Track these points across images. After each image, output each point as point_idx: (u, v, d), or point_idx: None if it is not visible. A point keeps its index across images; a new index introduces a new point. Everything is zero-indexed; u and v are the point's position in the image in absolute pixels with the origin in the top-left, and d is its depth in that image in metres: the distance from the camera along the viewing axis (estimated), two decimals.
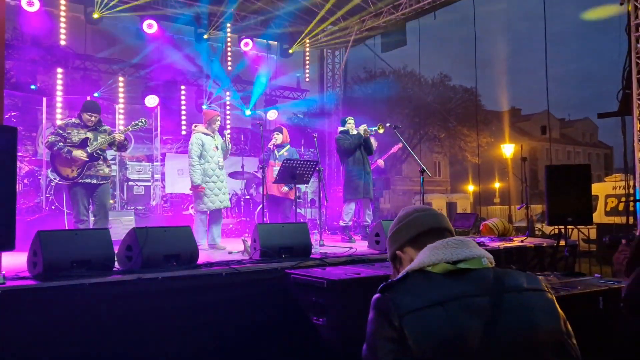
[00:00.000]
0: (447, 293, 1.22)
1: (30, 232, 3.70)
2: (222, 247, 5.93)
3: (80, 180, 5.33)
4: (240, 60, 11.58)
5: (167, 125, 10.60)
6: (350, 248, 5.52)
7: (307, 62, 12.32)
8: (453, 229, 1.49)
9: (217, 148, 6.08)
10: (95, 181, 5.40)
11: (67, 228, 6.17)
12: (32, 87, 9.66)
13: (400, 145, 8.46)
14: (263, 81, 11.67)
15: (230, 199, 9.42)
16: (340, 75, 12.74)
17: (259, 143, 9.48)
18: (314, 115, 13.47)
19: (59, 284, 3.27)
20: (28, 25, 9.29)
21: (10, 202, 3.19)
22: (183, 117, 11.22)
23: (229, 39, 11.25)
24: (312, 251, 4.79)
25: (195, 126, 6.17)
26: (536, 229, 9.89)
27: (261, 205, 7.06)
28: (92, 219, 5.58)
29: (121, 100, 10.29)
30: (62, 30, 9.40)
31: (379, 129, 7.16)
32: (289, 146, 7.34)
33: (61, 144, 5.30)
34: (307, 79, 12.61)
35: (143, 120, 5.84)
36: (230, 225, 8.57)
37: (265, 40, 11.93)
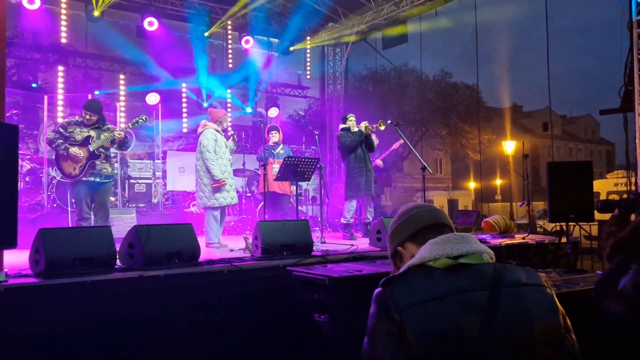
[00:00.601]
0: (446, 288, 1.23)
1: (32, 229, 3.71)
2: (224, 244, 5.93)
3: (83, 178, 5.34)
4: (240, 57, 11.57)
5: (168, 123, 10.61)
6: (352, 245, 5.52)
7: (308, 59, 12.30)
8: (453, 225, 1.50)
9: (226, 146, 6.08)
10: (98, 179, 5.41)
11: (69, 226, 6.19)
12: (34, 85, 9.67)
13: (401, 141, 8.46)
14: (254, 71, 11.60)
15: None
16: (341, 73, 12.73)
17: (260, 140, 9.49)
18: (315, 113, 13.46)
19: (61, 282, 3.28)
20: (29, 24, 9.29)
21: (12, 199, 3.19)
22: (184, 115, 11.22)
23: (229, 37, 11.24)
24: (314, 248, 4.79)
25: (206, 123, 6.11)
26: (538, 225, 9.87)
27: (262, 203, 7.07)
28: (93, 217, 5.59)
29: (122, 98, 10.29)
30: (63, 29, 9.40)
31: (380, 126, 7.16)
32: (282, 145, 7.39)
33: (60, 141, 5.31)
34: (308, 76, 12.60)
35: (144, 117, 5.84)
36: (232, 223, 8.58)
37: (266, 38, 11.92)
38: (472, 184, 31.55)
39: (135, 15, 10.25)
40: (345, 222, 6.94)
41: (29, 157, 8.40)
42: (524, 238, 6.11)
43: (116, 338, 3.34)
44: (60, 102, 9.39)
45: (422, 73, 24.27)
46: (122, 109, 9.98)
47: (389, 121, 7.19)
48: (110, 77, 10.71)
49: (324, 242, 5.81)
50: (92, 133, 5.46)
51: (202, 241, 4.59)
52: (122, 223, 6.50)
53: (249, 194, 9.11)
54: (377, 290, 1.28)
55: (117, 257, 3.82)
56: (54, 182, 7.37)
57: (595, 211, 3.13)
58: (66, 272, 3.39)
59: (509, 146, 21.23)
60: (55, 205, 7.27)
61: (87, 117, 5.46)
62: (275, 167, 6.78)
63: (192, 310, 3.67)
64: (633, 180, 7.24)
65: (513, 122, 32.21)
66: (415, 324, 1.18)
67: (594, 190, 5.53)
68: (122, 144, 5.70)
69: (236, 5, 10.30)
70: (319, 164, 6.45)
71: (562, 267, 5.20)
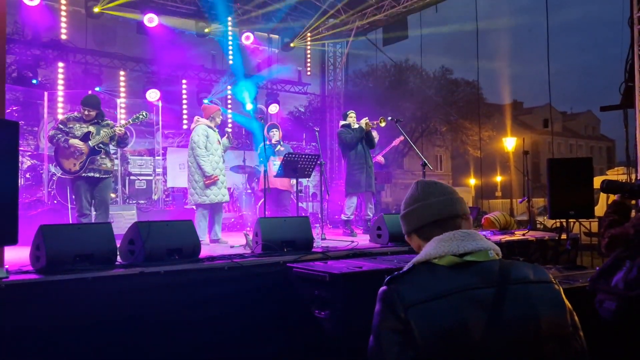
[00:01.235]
0: (452, 285, 1.23)
1: (33, 226, 3.71)
2: (224, 241, 5.94)
3: (83, 174, 5.34)
4: (241, 54, 11.55)
5: (169, 120, 10.60)
6: (352, 242, 5.53)
7: (309, 55, 12.28)
8: (466, 212, 1.45)
9: (219, 142, 6.07)
10: (97, 175, 5.41)
11: (69, 222, 6.19)
12: (34, 81, 9.65)
13: (401, 138, 8.45)
14: (262, 74, 11.63)
15: (232, 193, 9.45)
16: (341, 69, 12.71)
17: (261, 137, 9.48)
18: (316, 109, 13.45)
19: (61, 278, 3.28)
20: (29, 20, 9.27)
21: (12, 196, 3.20)
22: (184, 111, 11.21)
23: (229, 33, 11.22)
24: (314, 245, 4.80)
25: (198, 119, 6.15)
26: (538, 222, 9.88)
27: (263, 199, 7.08)
28: (94, 213, 5.59)
29: (122, 95, 10.28)
30: (63, 25, 9.38)
31: (380, 122, 7.16)
32: (281, 142, 7.40)
33: (60, 135, 5.31)
34: (309, 73, 12.58)
35: (144, 114, 5.83)
36: (232, 219, 8.59)
37: (266, 34, 11.89)
38: (472, 181, 31.55)
39: (135, 12, 10.23)
40: (346, 218, 6.95)
41: (29, 153, 8.41)
42: (524, 234, 6.11)
43: (117, 334, 3.35)
44: (60, 99, 9.38)
45: (423, 69, 24.24)
46: (123, 105, 9.97)
47: (389, 117, 7.19)
48: (111, 74, 10.69)
49: (325, 239, 5.81)
50: (92, 129, 5.45)
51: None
52: (122, 219, 6.50)
53: (249, 191, 9.11)
54: (382, 288, 1.28)
55: (118, 253, 3.82)
56: (54, 178, 7.37)
57: (601, 192, 3.12)
58: (67, 269, 3.39)
59: (509, 142, 21.23)
60: (55, 201, 7.28)
61: (86, 112, 5.46)
62: (276, 164, 6.78)
63: (192, 306, 3.68)
64: (633, 176, 7.24)
65: (513, 118, 32.17)
66: (421, 322, 1.18)
67: (594, 186, 5.53)
68: (121, 141, 5.68)
69: (237, 1, 10.29)
70: (319, 160, 6.45)
71: (562, 263, 5.21)
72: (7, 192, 3.12)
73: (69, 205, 6.68)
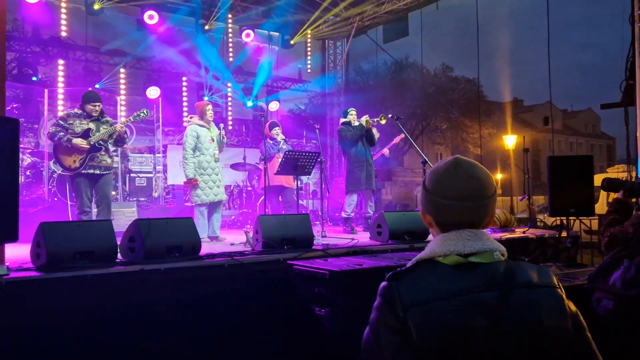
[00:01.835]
0: (454, 287, 1.21)
1: (33, 223, 3.71)
2: (223, 238, 5.95)
3: (83, 171, 5.33)
4: (241, 51, 11.53)
5: (169, 117, 10.59)
6: (352, 239, 5.53)
7: (309, 52, 12.26)
8: (487, 222, 1.35)
9: (212, 140, 6.07)
10: (98, 171, 5.41)
11: (70, 219, 6.19)
12: (34, 78, 9.65)
13: (402, 136, 8.45)
14: (265, 71, 11.61)
15: (232, 191, 9.45)
16: (342, 66, 12.69)
17: (260, 134, 9.47)
18: (316, 107, 13.44)
19: (62, 276, 3.29)
20: (29, 17, 9.26)
21: (13, 193, 3.20)
22: (185, 109, 11.20)
23: (230, 30, 11.21)
24: (314, 242, 4.80)
25: (191, 118, 6.19)
26: (538, 220, 9.87)
27: (263, 197, 7.08)
28: (94, 210, 5.59)
29: (123, 92, 10.27)
30: (63, 22, 9.37)
31: (381, 120, 7.15)
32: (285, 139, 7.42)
33: (61, 133, 5.30)
34: (309, 70, 12.56)
35: (145, 111, 5.82)
36: (232, 217, 8.59)
37: (266, 31, 11.87)
38: None
39: (136, 9, 10.21)
40: (346, 216, 6.95)
41: (30, 150, 8.40)
42: (524, 232, 6.11)
43: (117, 331, 3.36)
44: (60, 96, 9.37)
45: (423, 67, 24.20)
46: (123, 102, 9.97)
47: (390, 115, 7.18)
48: (111, 71, 10.67)
49: (325, 236, 5.81)
50: (92, 125, 5.44)
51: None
52: (122, 217, 6.50)
53: (249, 188, 9.11)
54: (384, 283, 1.26)
55: (118, 250, 3.83)
56: (54, 175, 7.37)
57: (601, 190, 3.11)
58: (67, 266, 3.40)
59: (510, 140, 21.20)
60: (56, 199, 7.28)
61: (90, 107, 5.45)
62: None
63: (193, 304, 3.68)
64: (634, 174, 7.23)
65: (514, 116, 32.12)
66: (420, 323, 1.16)
67: (595, 184, 5.53)
68: (120, 140, 5.66)
69: None
70: (319, 158, 6.45)
71: (562, 261, 5.22)
72: (7, 189, 3.12)
73: (69, 203, 6.68)
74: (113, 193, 7.36)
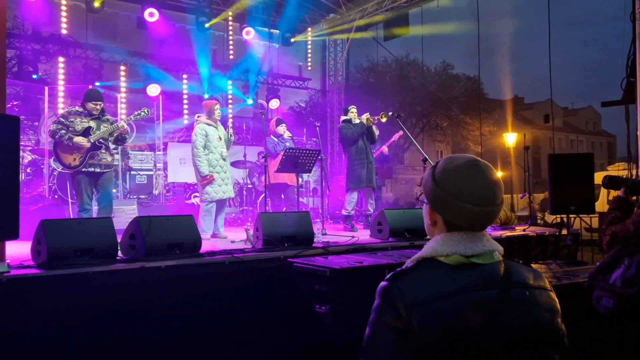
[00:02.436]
0: (455, 286, 1.22)
1: (34, 221, 3.72)
2: (224, 236, 5.95)
3: (83, 169, 5.33)
4: (241, 48, 11.52)
5: (169, 114, 10.59)
6: (353, 237, 5.53)
7: (309, 50, 12.25)
8: (491, 223, 1.36)
9: (220, 138, 6.07)
10: (98, 169, 5.41)
11: (71, 217, 6.20)
12: (34, 76, 9.64)
13: (400, 133, 8.45)
14: (262, 69, 11.60)
15: (233, 188, 9.46)
16: (342, 64, 12.68)
17: (261, 132, 9.47)
18: (316, 104, 13.43)
19: (62, 273, 3.29)
20: (29, 15, 9.26)
21: (13, 191, 3.20)
22: (185, 106, 11.20)
23: (230, 28, 11.19)
24: (315, 240, 4.80)
25: (199, 116, 6.16)
26: (538, 217, 9.88)
27: (263, 195, 7.07)
28: (95, 207, 5.59)
29: (123, 90, 10.26)
30: (63, 19, 9.35)
31: (381, 117, 7.15)
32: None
33: (63, 131, 5.30)
34: (309, 68, 12.55)
35: (145, 110, 5.82)
36: (233, 214, 8.60)
37: (266, 29, 11.86)
38: None
39: (136, 6, 10.20)
40: (346, 213, 6.95)
41: (30, 148, 8.40)
42: (524, 230, 6.11)
43: (117, 328, 3.36)
44: (60, 94, 9.36)
45: (424, 64, 24.18)
46: (123, 100, 9.96)
47: (390, 113, 7.18)
48: (111, 69, 10.67)
49: (325, 234, 5.82)
50: (92, 124, 5.44)
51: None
52: (123, 214, 6.51)
53: (249, 186, 9.11)
54: (383, 284, 1.26)
55: (119, 248, 3.83)
56: (55, 173, 7.37)
57: (602, 188, 3.11)
58: (68, 263, 3.40)
59: (510, 138, 21.18)
60: (56, 196, 7.28)
61: (92, 105, 5.45)
62: None
63: (193, 301, 3.69)
64: (634, 172, 7.23)
65: (514, 113, 32.10)
66: (422, 322, 1.17)
67: (595, 182, 5.53)
68: (121, 139, 5.65)
69: None
70: (320, 155, 6.45)
71: (563, 258, 5.22)
72: (8, 186, 3.13)
73: (70, 200, 6.69)
74: (114, 191, 7.36)
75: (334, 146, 12.09)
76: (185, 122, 11.09)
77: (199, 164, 5.87)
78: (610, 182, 2.94)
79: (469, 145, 27.27)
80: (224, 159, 6.08)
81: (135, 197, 8.32)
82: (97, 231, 3.72)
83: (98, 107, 5.48)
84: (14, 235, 3.17)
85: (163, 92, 10.22)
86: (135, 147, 9.53)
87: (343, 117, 7.23)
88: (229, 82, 11.56)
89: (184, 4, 10.34)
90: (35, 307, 3.16)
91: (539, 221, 8.85)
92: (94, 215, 5.46)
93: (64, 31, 9.45)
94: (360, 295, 3.57)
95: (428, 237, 1.42)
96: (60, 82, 9.43)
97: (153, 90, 10.11)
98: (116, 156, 7.77)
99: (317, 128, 7.17)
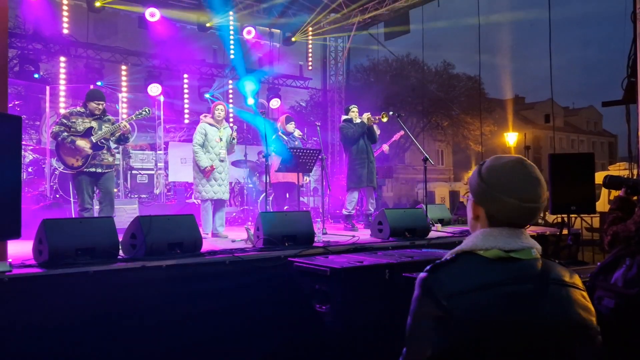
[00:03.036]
0: (495, 278, 1.26)
1: (35, 220, 3.73)
2: (225, 235, 5.97)
3: (85, 169, 5.34)
4: (242, 48, 11.52)
5: (170, 114, 10.60)
6: (353, 236, 5.54)
7: (310, 50, 12.25)
8: (534, 220, 1.41)
9: (220, 139, 6.09)
10: (100, 170, 5.42)
11: (72, 216, 6.21)
12: (35, 75, 9.64)
13: (401, 132, 8.45)
14: (263, 69, 11.61)
15: (233, 188, 9.46)
16: (343, 64, 12.67)
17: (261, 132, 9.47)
18: (317, 104, 13.43)
19: (64, 272, 3.30)
20: (30, 14, 9.26)
21: (15, 190, 3.21)
22: (186, 106, 11.21)
23: (231, 27, 11.20)
24: (315, 239, 4.81)
25: (205, 116, 6.22)
26: (539, 217, 9.87)
27: (264, 194, 7.08)
28: (97, 207, 5.60)
29: (124, 89, 10.28)
30: (65, 19, 9.37)
31: (382, 117, 7.15)
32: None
33: (65, 133, 5.31)
34: (310, 67, 12.55)
35: (147, 110, 5.83)
36: (234, 214, 8.61)
37: (267, 28, 11.86)
38: None
39: (137, 6, 10.21)
40: (347, 213, 6.95)
41: (32, 147, 8.41)
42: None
43: (118, 327, 3.37)
44: (62, 93, 9.38)
45: (424, 64, 24.17)
46: (124, 100, 9.97)
47: (391, 112, 7.18)
48: (112, 68, 10.68)
49: (326, 233, 5.82)
50: (94, 124, 5.45)
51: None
52: (124, 214, 6.52)
53: (250, 185, 9.12)
54: (423, 275, 1.30)
55: (120, 247, 3.84)
56: (56, 172, 7.38)
57: (602, 187, 3.11)
58: (69, 262, 3.41)
59: (511, 138, 21.20)
60: (57, 196, 7.29)
61: (94, 105, 5.46)
62: None
63: (193, 300, 3.70)
64: (635, 172, 7.23)
65: (515, 113, 32.08)
66: (463, 311, 1.21)
67: (596, 182, 5.53)
68: (123, 138, 5.66)
69: None
70: (320, 155, 6.45)
71: (563, 258, 5.22)
72: (10, 186, 3.14)
73: (71, 200, 6.70)
74: (114, 190, 7.38)
75: (335, 145, 12.09)
76: (187, 121, 11.09)
77: (198, 159, 5.94)
78: (611, 182, 2.94)
79: (469, 145, 27.27)
80: (221, 160, 6.08)
81: (136, 196, 8.33)
82: (98, 230, 3.73)
83: (100, 106, 5.49)
84: (16, 234, 3.19)
85: (164, 91, 10.22)
86: (137, 146, 9.54)
87: (344, 117, 7.23)
88: (230, 81, 11.56)
89: (185, 4, 10.35)
90: (37, 306, 3.18)
91: (539, 221, 8.84)
92: (95, 214, 5.48)
93: (65, 30, 9.46)
94: (361, 295, 3.58)
95: (470, 230, 1.45)
96: (62, 82, 9.44)
97: (154, 89, 10.12)
98: (117, 156, 7.79)
99: (318, 127, 7.17)
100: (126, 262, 3.66)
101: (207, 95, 10.84)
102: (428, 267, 1.31)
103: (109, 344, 3.33)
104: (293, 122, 7.30)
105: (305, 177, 6.56)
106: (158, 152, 9.30)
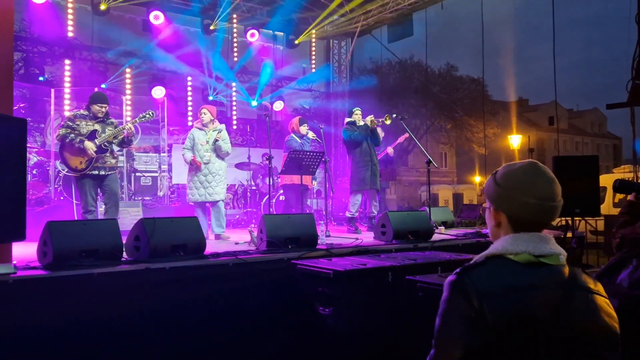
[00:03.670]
0: (526, 281, 1.29)
1: (40, 222, 3.74)
2: (227, 236, 5.98)
3: (88, 172, 5.37)
4: (245, 51, 11.55)
5: (174, 117, 10.62)
6: (357, 239, 5.54)
7: (313, 52, 12.27)
8: (553, 220, 1.45)
9: (206, 142, 6.12)
10: (103, 172, 5.44)
11: (76, 218, 6.23)
12: (40, 78, 9.70)
13: (406, 135, 8.45)
14: (268, 71, 11.63)
15: (236, 190, 9.47)
16: (346, 66, 12.69)
17: (265, 134, 9.49)
18: (320, 106, 13.43)
19: (68, 274, 3.32)
20: (35, 17, 9.31)
21: (20, 193, 3.23)
22: (189, 108, 11.23)
23: (234, 30, 11.23)
24: (319, 242, 4.81)
25: (197, 121, 6.38)
26: None
27: (267, 196, 7.09)
28: (101, 209, 5.62)
29: (128, 92, 10.31)
30: (70, 22, 9.42)
31: (385, 120, 7.15)
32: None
33: (72, 135, 5.34)
34: (313, 70, 12.57)
35: (150, 113, 5.85)
36: (237, 216, 8.61)
37: (271, 31, 11.88)
38: (477, 178, 31.43)
39: (141, 9, 10.25)
40: (350, 215, 6.95)
41: (36, 150, 8.45)
42: None
43: (122, 329, 3.38)
44: (67, 96, 9.41)
45: (428, 66, 24.15)
46: (128, 102, 10.00)
47: (394, 115, 7.18)
48: (116, 71, 10.72)
49: (329, 236, 5.82)
50: (98, 127, 5.48)
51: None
52: (128, 216, 6.54)
53: (253, 187, 9.13)
54: (452, 277, 1.32)
55: (124, 249, 3.85)
56: (60, 175, 7.41)
57: (607, 190, 3.10)
58: (73, 264, 3.42)
59: (515, 140, 21.15)
60: (62, 198, 7.32)
61: (97, 107, 5.48)
62: None
63: (197, 302, 3.70)
64: None
65: (519, 115, 32.03)
66: (495, 311, 1.22)
67: (600, 184, 5.51)
68: (127, 141, 5.66)
69: None
70: (323, 157, 6.45)
71: (567, 262, 5.19)
72: (15, 188, 3.15)
73: (75, 202, 6.72)
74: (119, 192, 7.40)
75: (338, 148, 12.09)
76: (190, 124, 11.11)
77: (184, 156, 6.20)
78: (622, 186, 2.95)
79: (473, 147, 27.21)
80: (206, 162, 6.08)
81: (140, 198, 8.36)
82: (102, 232, 3.74)
83: (103, 109, 5.51)
84: (21, 236, 3.20)
85: (168, 94, 10.25)
86: (140, 149, 9.57)
87: (347, 119, 7.23)
88: (233, 84, 11.59)
89: (189, 7, 10.38)
90: (41, 308, 3.19)
91: None
92: (100, 216, 5.50)
93: (70, 34, 9.51)
94: (364, 298, 3.57)
95: (492, 239, 1.47)
96: (67, 85, 9.48)
97: (158, 92, 10.15)
98: (121, 158, 7.81)
99: (321, 130, 7.17)
100: (130, 264, 3.66)
101: (210, 98, 10.86)
102: (457, 270, 1.33)
103: (112, 345, 3.34)
104: (306, 124, 7.29)
105: (312, 182, 6.57)
106: (162, 154, 9.33)
